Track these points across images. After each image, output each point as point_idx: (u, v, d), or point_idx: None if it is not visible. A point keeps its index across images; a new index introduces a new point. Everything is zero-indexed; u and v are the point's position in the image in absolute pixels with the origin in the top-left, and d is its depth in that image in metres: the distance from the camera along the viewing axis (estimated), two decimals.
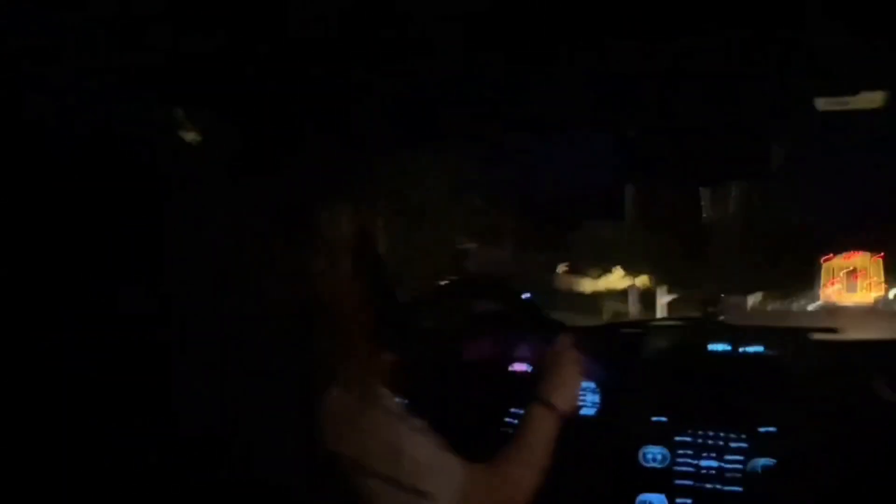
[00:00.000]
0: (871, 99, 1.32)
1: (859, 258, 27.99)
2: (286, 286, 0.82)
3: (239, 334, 0.79)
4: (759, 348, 1.62)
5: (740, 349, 1.63)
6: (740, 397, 1.56)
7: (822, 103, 1.34)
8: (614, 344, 1.78)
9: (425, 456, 0.95)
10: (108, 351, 0.75)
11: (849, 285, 27.96)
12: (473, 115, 1.49)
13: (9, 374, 0.75)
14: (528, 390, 1.25)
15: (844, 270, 28.07)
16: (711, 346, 1.66)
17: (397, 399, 0.95)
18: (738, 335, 1.68)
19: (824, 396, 1.49)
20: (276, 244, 0.81)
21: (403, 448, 0.92)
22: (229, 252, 0.79)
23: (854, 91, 1.31)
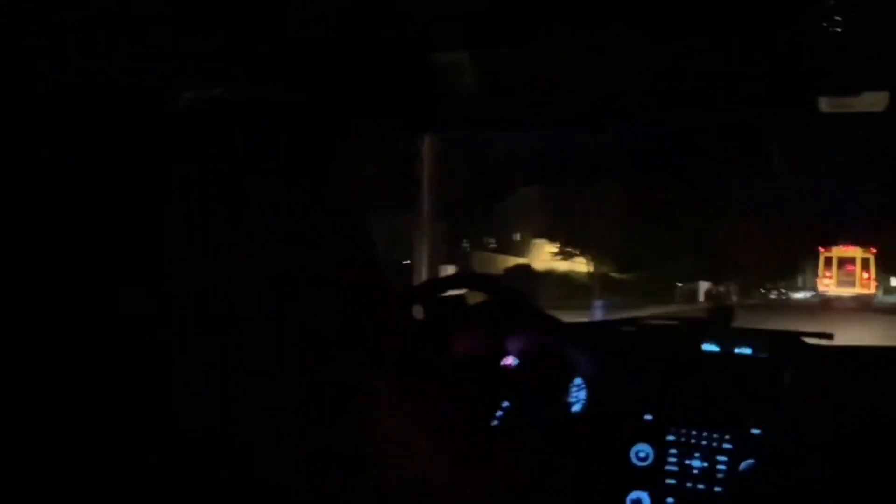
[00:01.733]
0: (874, 101, 1.32)
1: (854, 250, 28.30)
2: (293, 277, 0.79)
3: (245, 332, 0.79)
4: (749, 350, 1.62)
5: (733, 350, 1.63)
6: (731, 398, 1.56)
7: (824, 104, 1.34)
8: (606, 340, 1.77)
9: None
10: (108, 351, 0.75)
11: (845, 277, 28.25)
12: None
13: (8, 374, 0.75)
14: (517, 384, 1.25)
15: (839, 260, 28.36)
16: (704, 346, 1.65)
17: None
18: (731, 336, 1.68)
19: (813, 401, 1.50)
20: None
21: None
22: (238, 250, 0.79)
23: (856, 92, 1.31)
